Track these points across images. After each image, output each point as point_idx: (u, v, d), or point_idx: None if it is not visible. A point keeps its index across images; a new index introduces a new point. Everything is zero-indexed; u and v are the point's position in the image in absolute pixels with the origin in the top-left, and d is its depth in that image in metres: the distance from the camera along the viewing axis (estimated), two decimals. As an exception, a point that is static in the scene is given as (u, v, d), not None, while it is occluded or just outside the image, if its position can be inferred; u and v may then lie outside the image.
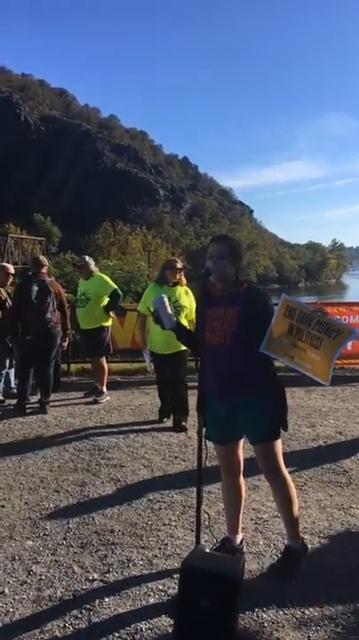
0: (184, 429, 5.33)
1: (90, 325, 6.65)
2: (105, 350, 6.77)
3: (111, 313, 6.74)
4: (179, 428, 5.37)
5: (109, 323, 6.79)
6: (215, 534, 3.07)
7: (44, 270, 6.34)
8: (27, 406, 6.29)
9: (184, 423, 5.41)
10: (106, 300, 6.62)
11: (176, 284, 5.43)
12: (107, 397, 6.74)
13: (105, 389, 6.79)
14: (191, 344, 3.13)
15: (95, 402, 6.59)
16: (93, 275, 6.75)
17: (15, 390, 6.92)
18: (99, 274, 6.90)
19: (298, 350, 2.56)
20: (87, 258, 6.93)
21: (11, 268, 6.90)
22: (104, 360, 6.83)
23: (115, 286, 6.79)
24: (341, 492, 3.83)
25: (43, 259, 6.62)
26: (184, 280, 5.51)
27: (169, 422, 5.60)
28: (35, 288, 6.03)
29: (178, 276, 5.44)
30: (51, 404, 6.31)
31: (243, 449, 2.93)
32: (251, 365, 2.68)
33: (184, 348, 5.09)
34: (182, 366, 5.53)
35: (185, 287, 5.45)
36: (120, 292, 6.91)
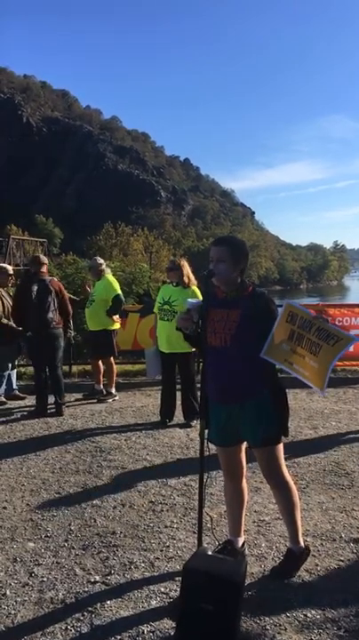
0: (189, 426, 5.48)
1: (94, 327, 6.69)
2: (106, 353, 6.73)
3: (115, 318, 6.70)
4: (186, 426, 5.51)
5: (116, 327, 6.77)
6: (217, 536, 3.06)
7: (44, 269, 6.27)
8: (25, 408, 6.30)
9: (192, 423, 5.49)
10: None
11: (178, 283, 5.43)
12: (116, 397, 6.76)
13: (114, 390, 6.81)
14: (198, 347, 3.09)
15: (99, 401, 6.61)
16: (102, 276, 6.75)
17: (17, 392, 6.93)
18: (108, 277, 6.82)
19: (297, 357, 2.55)
20: (97, 259, 6.93)
21: (10, 269, 6.90)
22: (107, 362, 6.78)
23: (119, 292, 6.72)
24: (343, 494, 3.82)
25: (43, 257, 6.54)
26: (188, 279, 5.45)
27: (170, 424, 5.60)
28: (35, 287, 5.96)
29: (172, 275, 5.49)
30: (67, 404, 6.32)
31: (246, 451, 2.92)
32: (251, 369, 2.66)
33: (188, 349, 5.13)
34: (190, 368, 5.56)
35: (192, 288, 5.42)
36: (122, 298, 6.80)
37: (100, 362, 6.81)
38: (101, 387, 6.85)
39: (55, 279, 6.43)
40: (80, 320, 8.87)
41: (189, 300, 2.89)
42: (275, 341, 2.59)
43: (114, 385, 6.86)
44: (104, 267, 6.83)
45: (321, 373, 2.46)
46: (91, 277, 6.95)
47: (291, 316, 2.57)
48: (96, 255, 9.24)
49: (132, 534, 3.29)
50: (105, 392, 6.79)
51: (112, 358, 6.82)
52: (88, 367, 7.98)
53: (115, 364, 8.22)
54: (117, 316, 6.78)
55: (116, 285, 6.81)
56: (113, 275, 7.23)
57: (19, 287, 6.44)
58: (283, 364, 2.59)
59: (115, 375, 6.89)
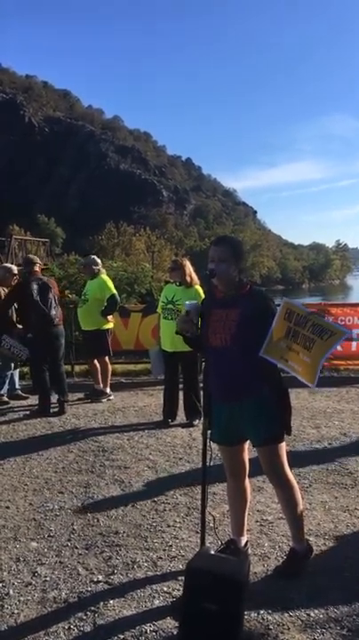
0: (192, 425, 5.47)
1: (87, 326, 6.66)
2: (100, 353, 6.70)
3: (110, 317, 6.69)
4: (189, 426, 5.50)
5: (109, 326, 6.75)
6: (220, 536, 3.07)
7: (37, 268, 6.27)
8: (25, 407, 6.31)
9: (195, 423, 5.48)
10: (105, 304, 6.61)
11: (181, 283, 5.43)
12: (111, 397, 6.74)
13: (108, 390, 6.79)
14: (199, 348, 3.10)
15: (93, 401, 6.61)
16: (97, 276, 6.74)
17: (19, 392, 6.94)
18: (103, 276, 6.80)
19: (292, 353, 2.54)
20: (92, 257, 6.92)
21: (15, 269, 6.91)
22: (102, 361, 6.75)
23: (114, 291, 6.67)
24: (346, 493, 3.82)
25: (34, 257, 6.58)
26: (191, 279, 5.44)
27: (173, 423, 5.60)
28: (35, 286, 5.97)
29: (175, 275, 5.48)
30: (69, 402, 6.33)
31: (248, 450, 2.92)
32: (252, 368, 2.66)
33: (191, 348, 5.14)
34: (193, 367, 5.55)
35: (195, 287, 5.42)
36: (117, 298, 6.75)
37: (96, 361, 6.79)
38: (101, 386, 6.84)
39: (51, 279, 6.45)
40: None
41: (187, 302, 2.92)
42: (274, 340, 2.59)
43: (109, 384, 6.84)
44: (100, 267, 6.81)
45: (312, 367, 2.46)
46: (85, 275, 6.98)
47: (289, 313, 2.58)
48: (99, 255, 9.24)
49: (135, 534, 3.29)
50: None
51: (107, 358, 6.79)
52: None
53: (118, 363, 8.26)
54: (111, 316, 6.76)
55: (111, 285, 6.77)
56: (114, 274, 7.26)
57: (16, 287, 6.37)
58: (279, 362, 2.59)
59: (109, 375, 6.86)
